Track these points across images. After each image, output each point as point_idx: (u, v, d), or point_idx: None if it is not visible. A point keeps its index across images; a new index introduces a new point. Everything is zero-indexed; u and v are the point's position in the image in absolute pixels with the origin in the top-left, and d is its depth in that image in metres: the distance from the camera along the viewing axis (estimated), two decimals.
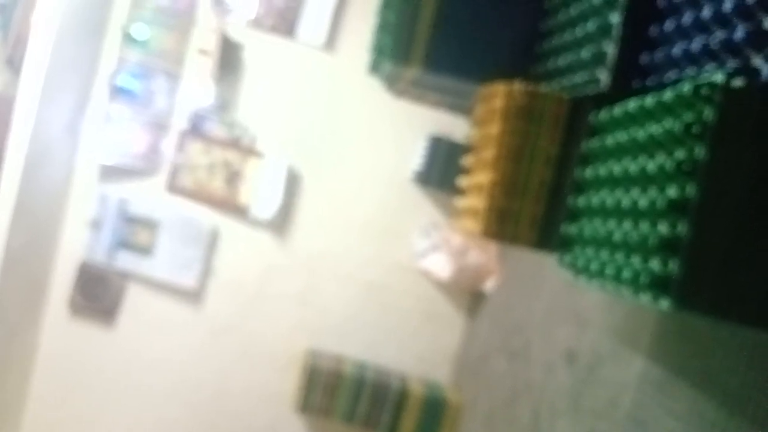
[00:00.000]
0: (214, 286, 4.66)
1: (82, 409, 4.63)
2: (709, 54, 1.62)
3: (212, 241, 4.62)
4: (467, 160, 2.50)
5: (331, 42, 4.58)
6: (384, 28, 2.75)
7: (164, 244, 4.57)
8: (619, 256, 1.68)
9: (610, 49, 1.96)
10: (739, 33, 1.51)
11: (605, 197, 1.84)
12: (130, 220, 4.57)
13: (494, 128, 2.25)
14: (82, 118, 4.48)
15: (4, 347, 4.16)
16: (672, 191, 1.51)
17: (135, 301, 4.63)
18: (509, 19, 2.51)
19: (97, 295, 4.57)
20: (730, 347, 2.07)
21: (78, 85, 4.36)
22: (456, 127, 4.24)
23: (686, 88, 1.51)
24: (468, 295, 4.67)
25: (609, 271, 1.70)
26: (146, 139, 4.56)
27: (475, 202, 2.33)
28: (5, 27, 3.34)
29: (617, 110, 1.88)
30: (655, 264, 1.51)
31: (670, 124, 1.57)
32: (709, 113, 1.44)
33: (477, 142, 2.43)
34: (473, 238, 4.16)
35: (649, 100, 1.68)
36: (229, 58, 4.50)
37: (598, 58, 2.01)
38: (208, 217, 4.61)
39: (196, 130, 4.60)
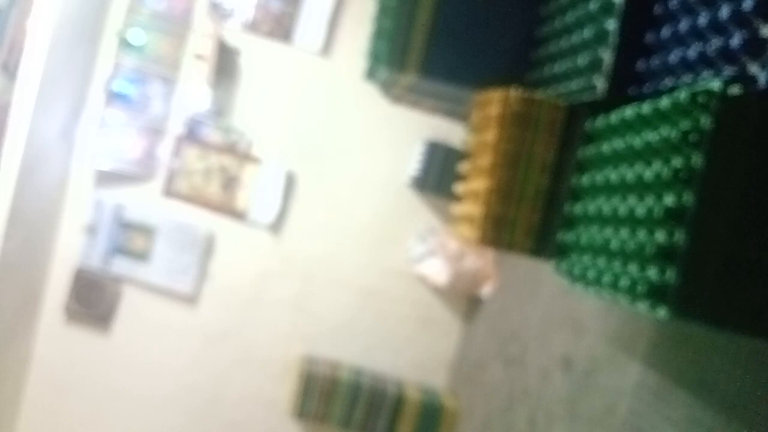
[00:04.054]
0: (210, 292, 4.64)
1: (76, 415, 4.60)
2: (705, 61, 1.62)
3: (208, 247, 4.61)
4: (463, 167, 2.50)
5: (327, 47, 4.58)
6: (380, 34, 2.74)
7: (160, 250, 4.56)
8: (616, 264, 1.68)
9: (607, 55, 1.95)
10: (736, 40, 1.50)
11: (602, 205, 1.83)
12: (126, 226, 4.55)
13: (490, 135, 2.24)
14: (77, 123, 4.47)
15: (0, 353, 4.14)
16: (669, 199, 1.50)
17: (130, 307, 4.61)
18: (505, 25, 2.50)
19: (93, 301, 4.55)
20: (728, 354, 2.06)
21: (73, 91, 4.35)
22: (453, 133, 4.24)
23: (683, 95, 1.51)
24: (464, 300, 4.66)
25: (606, 279, 1.70)
26: (142, 145, 4.55)
27: (471, 209, 2.32)
28: (0, 32, 3.33)
29: (613, 117, 1.87)
30: (652, 272, 1.51)
31: (666, 131, 1.57)
32: (705, 121, 1.44)
33: (473, 148, 2.43)
34: (469, 245, 4.16)
35: (646, 108, 1.68)
36: (225, 63, 4.49)
37: (595, 65, 2.01)
38: (204, 222, 4.60)
39: (192, 135, 4.59)
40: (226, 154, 4.59)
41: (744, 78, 1.48)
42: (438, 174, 4.38)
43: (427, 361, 4.68)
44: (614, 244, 1.71)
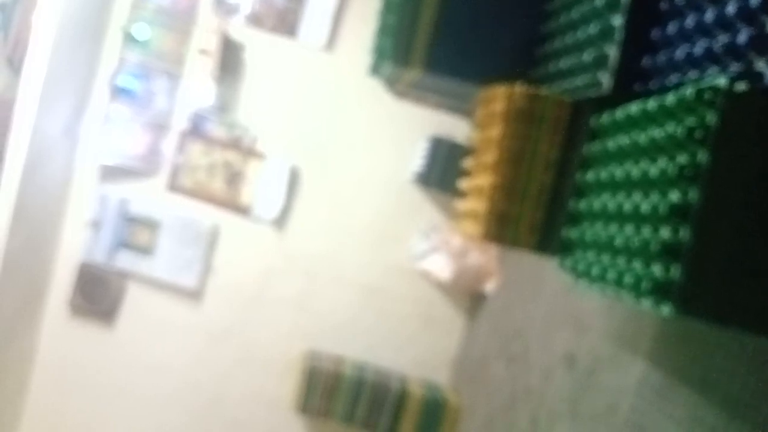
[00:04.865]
0: (214, 287, 4.65)
1: (80, 411, 4.61)
2: (711, 58, 1.61)
3: (212, 242, 4.61)
4: (468, 163, 2.49)
5: (331, 43, 4.57)
6: (384, 30, 2.74)
7: (164, 245, 4.56)
8: (621, 261, 1.67)
9: (612, 51, 1.95)
10: (743, 37, 1.50)
11: (607, 201, 1.83)
12: (131, 221, 4.56)
13: (495, 131, 2.24)
14: (82, 118, 4.47)
15: (3, 349, 4.14)
16: (674, 196, 1.50)
17: (135, 302, 4.62)
18: (510, 21, 2.50)
19: (97, 296, 4.56)
20: (731, 352, 2.06)
21: (78, 86, 4.35)
22: (457, 128, 4.23)
23: (689, 92, 1.50)
24: (468, 297, 4.66)
25: (610, 275, 1.69)
26: (146, 140, 4.55)
27: (475, 205, 2.32)
28: (5, 27, 3.33)
29: (619, 114, 1.87)
30: (656, 269, 1.50)
31: (672, 128, 1.56)
32: (711, 117, 1.43)
33: (478, 144, 2.42)
34: (473, 241, 4.15)
35: (652, 104, 1.67)
36: (229, 58, 4.49)
37: (600, 61, 2.00)
38: (207, 217, 4.60)
39: (196, 130, 4.59)
40: (230, 150, 4.59)
41: (750, 74, 1.48)
42: (442, 170, 4.38)
43: (429, 358, 4.68)
44: (619, 241, 1.70)
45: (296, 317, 4.65)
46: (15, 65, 3.51)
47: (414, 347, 4.68)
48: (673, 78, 1.77)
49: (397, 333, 4.67)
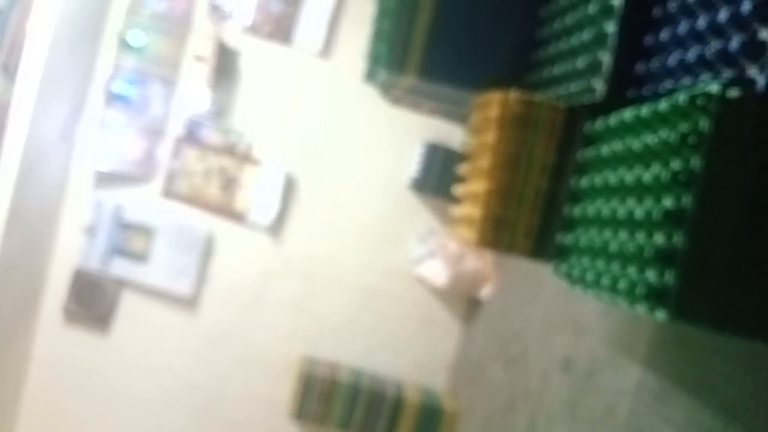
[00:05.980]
0: (210, 293, 4.64)
1: (76, 417, 4.60)
2: (704, 64, 1.62)
3: (208, 248, 4.61)
4: (463, 169, 2.50)
5: (327, 49, 4.58)
6: (380, 36, 2.74)
7: (159, 251, 4.56)
8: (615, 267, 1.68)
9: (606, 58, 1.95)
10: (735, 43, 1.51)
11: (601, 207, 1.84)
12: (126, 227, 4.55)
13: (490, 137, 2.24)
14: (77, 124, 4.47)
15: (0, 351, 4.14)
16: (668, 202, 1.50)
17: (130, 308, 4.61)
18: (505, 27, 2.50)
19: (92, 301, 4.55)
20: (728, 355, 2.06)
21: (73, 92, 4.35)
22: (452, 134, 4.24)
23: (682, 98, 1.51)
24: (464, 301, 4.66)
25: (605, 281, 1.70)
26: (142, 146, 4.55)
27: (470, 210, 2.32)
28: (0, 33, 3.33)
29: (613, 120, 1.87)
30: (651, 275, 1.51)
31: (665, 134, 1.57)
32: (704, 123, 1.44)
33: (473, 150, 2.43)
34: (469, 246, 4.15)
35: (645, 110, 1.68)
36: (225, 64, 4.49)
37: (594, 67, 2.01)
38: (203, 223, 4.60)
39: (191, 136, 4.59)
40: (225, 156, 4.60)
41: (742, 81, 1.48)
42: (438, 176, 4.38)
43: (427, 361, 4.68)
44: (613, 247, 1.71)
45: (295, 319, 4.66)
46: (10, 71, 3.51)
47: (412, 349, 4.68)
48: (666, 84, 1.77)
49: (395, 335, 4.68)
